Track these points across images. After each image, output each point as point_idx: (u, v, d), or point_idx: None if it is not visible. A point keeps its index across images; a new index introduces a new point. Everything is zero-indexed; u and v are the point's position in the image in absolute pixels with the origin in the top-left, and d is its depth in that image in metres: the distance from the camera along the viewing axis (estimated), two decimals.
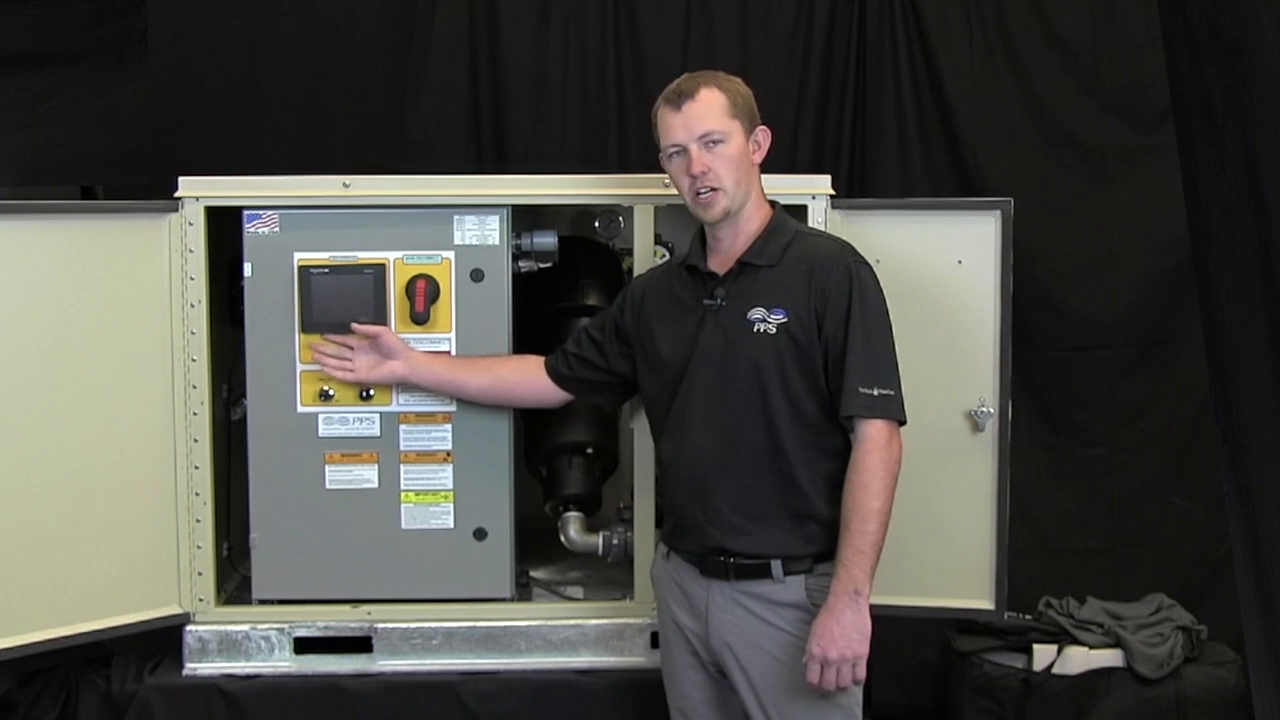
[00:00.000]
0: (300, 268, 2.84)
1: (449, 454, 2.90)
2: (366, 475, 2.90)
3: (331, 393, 2.87)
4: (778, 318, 2.45)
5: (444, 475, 2.91)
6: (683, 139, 2.49)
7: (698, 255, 2.58)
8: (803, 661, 2.41)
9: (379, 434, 2.89)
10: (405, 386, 2.87)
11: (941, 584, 2.99)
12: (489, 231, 2.87)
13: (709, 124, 2.47)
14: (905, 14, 3.89)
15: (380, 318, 2.85)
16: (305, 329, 2.86)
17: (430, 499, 2.91)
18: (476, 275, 2.87)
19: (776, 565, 2.46)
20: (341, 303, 2.84)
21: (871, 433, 2.41)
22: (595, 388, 2.77)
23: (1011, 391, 2.96)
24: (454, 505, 2.91)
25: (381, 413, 2.89)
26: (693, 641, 2.56)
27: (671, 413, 2.56)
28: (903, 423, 2.46)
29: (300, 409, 2.88)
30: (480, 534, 2.91)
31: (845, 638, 2.36)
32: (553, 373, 2.77)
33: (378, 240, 2.86)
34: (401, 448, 2.90)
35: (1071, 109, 3.90)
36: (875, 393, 2.41)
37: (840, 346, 2.43)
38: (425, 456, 2.90)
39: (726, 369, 2.48)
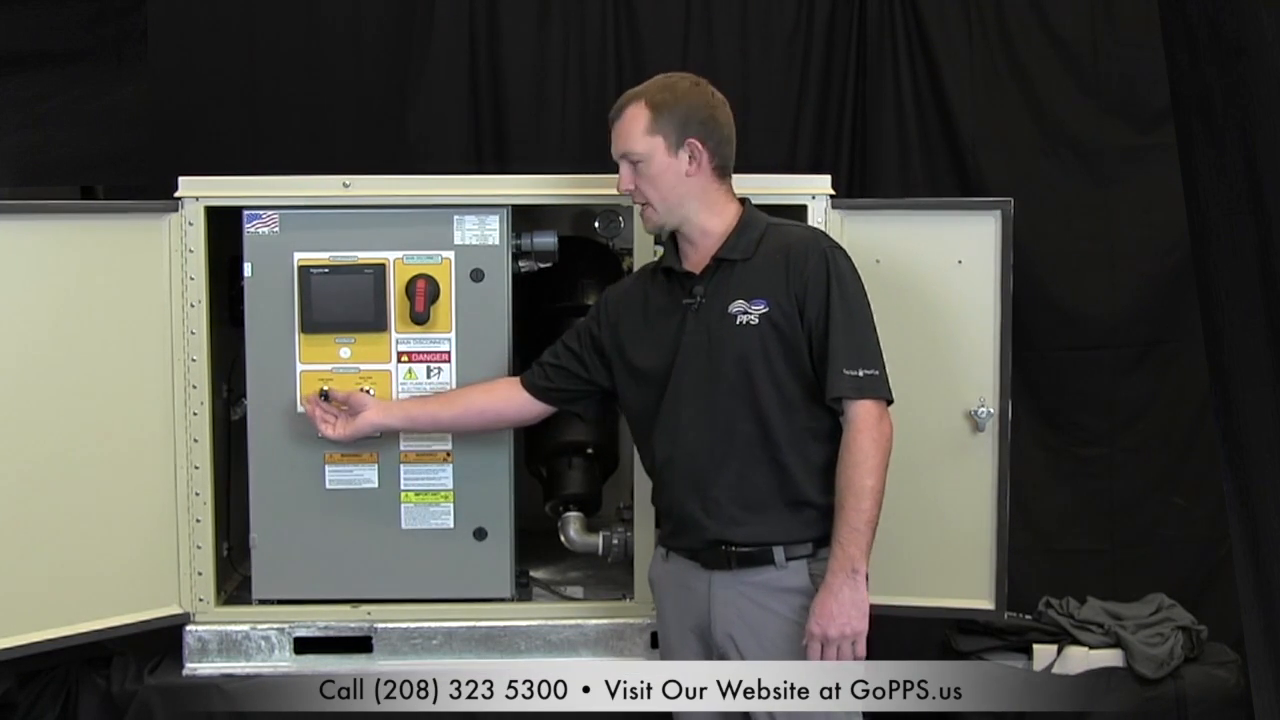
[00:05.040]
0: (300, 268, 2.84)
1: (449, 454, 2.91)
2: (366, 475, 2.90)
3: (328, 394, 2.87)
4: (759, 308, 2.46)
5: (444, 475, 2.91)
6: (614, 155, 2.57)
7: (673, 258, 2.59)
8: (802, 643, 2.42)
9: (378, 434, 2.89)
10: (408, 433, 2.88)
11: (941, 584, 2.99)
12: (489, 231, 2.87)
13: (625, 144, 2.53)
14: (905, 14, 3.89)
15: (380, 318, 2.85)
16: (305, 329, 2.86)
17: (430, 499, 2.91)
18: (476, 275, 2.87)
19: (779, 551, 2.47)
20: (342, 303, 2.84)
21: (861, 413, 2.42)
22: (574, 397, 2.76)
23: (1011, 391, 2.96)
24: (454, 505, 2.91)
25: None
26: (696, 638, 2.56)
27: (661, 415, 2.56)
28: (890, 401, 2.47)
29: (300, 409, 2.88)
30: (480, 534, 2.92)
31: (844, 614, 2.38)
32: (530, 386, 2.75)
33: (378, 240, 2.86)
34: (401, 448, 2.90)
35: (1071, 109, 3.90)
36: (860, 373, 2.42)
37: (823, 330, 2.44)
38: (425, 456, 2.90)
39: (713, 364, 2.49)
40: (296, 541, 2.91)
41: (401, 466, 2.90)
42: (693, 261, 2.56)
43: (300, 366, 2.88)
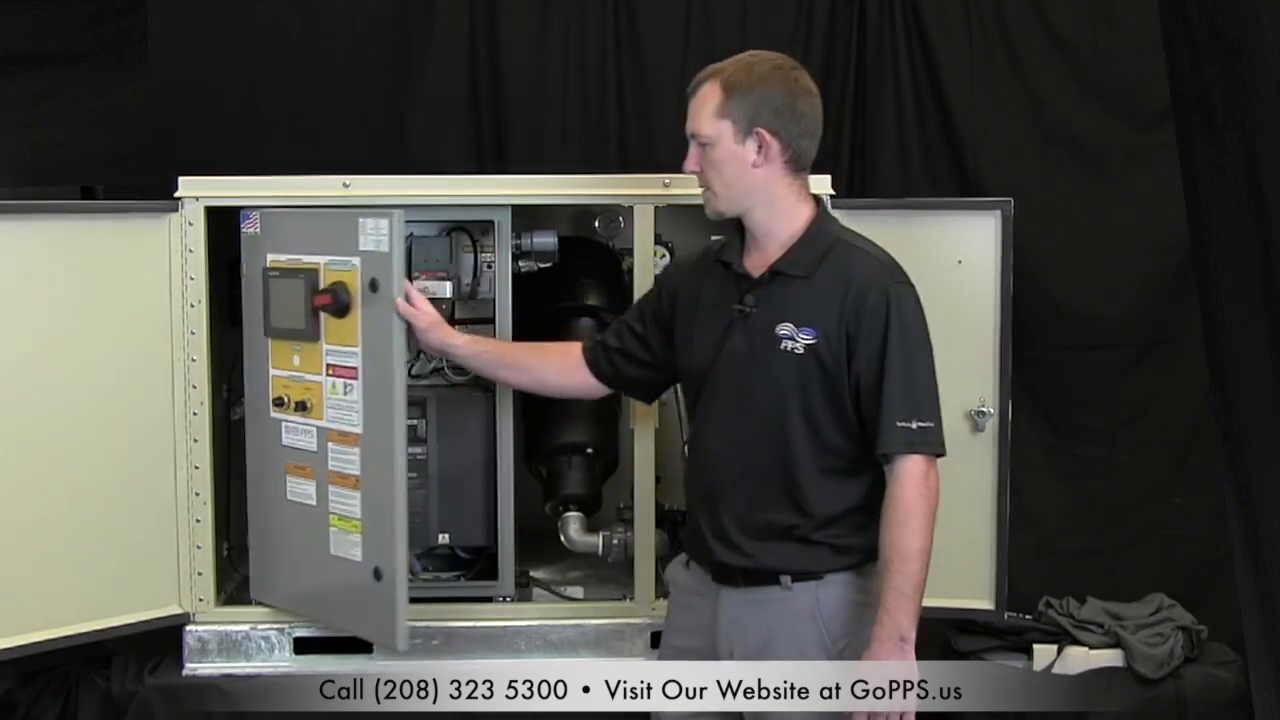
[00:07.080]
0: (264, 269, 2.79)
1: (358, 479, 2.71)
2: (309, 490, 2.78)
3: (284, 399, 2.78)
4: (806, 338, 2.33)
5: (354, 502, 2.73)
6: (686, 133, 2.42)
7: (734, 251, 2.44)
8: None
9: (315, 449, 2.76)
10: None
11: (941, 584, 2.97)
12: (381, 237, 2.60)
13: (693, 124, 2.38)
14: (905, 14, 3.89)
15: (312, 326, 2.71)
16: (266, 332, 2.79)
17: (348, 526, 2.74)
18: (374, 286, 2.63)
19: (785, 577, 2.38)
20: (286, 307, 2.73)
21: (909, 468, 2.29)
22: (638, 385, 2.67)
23: (1011, 391, 2.96)
24: (362, 536, 2.71)
25: (317, 427, 2.76)
26: (700, 650, 2.49)
27: (695, 416, 2.49)
28: (941, 454, 2.33)
29: (272, 414, 2.83)
30: (378, 574, 2.68)
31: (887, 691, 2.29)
32: (595, 370, 2.63)
33: (315, 243, 2.69)
34: (330, 467, 2.75)
35: (1071, 109, 3.90)
36: (914, 425, 2.28)
37: (875, 377, 2.30)
38: (342, 479, 2.73)
39: (748, 383, 2.37)
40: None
41: (330, 487, 2.75)
42: (753, 262, 2.41)
43: (272, 371, 2.82)
